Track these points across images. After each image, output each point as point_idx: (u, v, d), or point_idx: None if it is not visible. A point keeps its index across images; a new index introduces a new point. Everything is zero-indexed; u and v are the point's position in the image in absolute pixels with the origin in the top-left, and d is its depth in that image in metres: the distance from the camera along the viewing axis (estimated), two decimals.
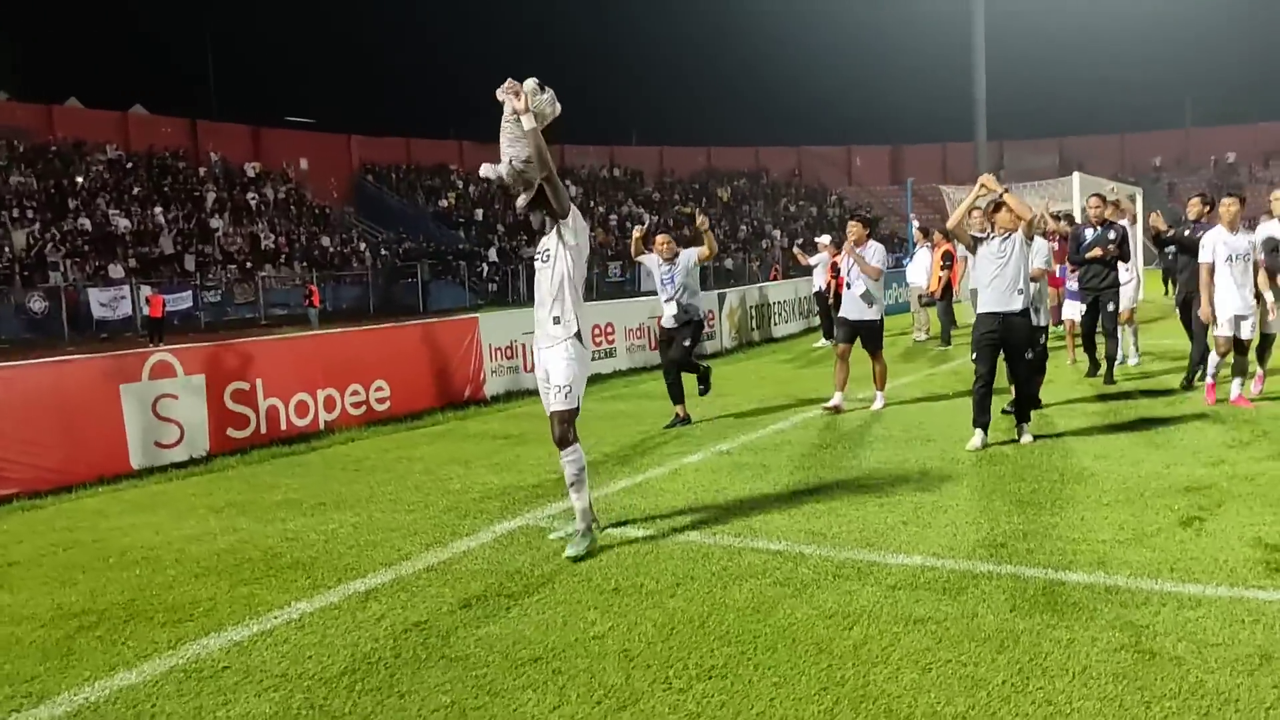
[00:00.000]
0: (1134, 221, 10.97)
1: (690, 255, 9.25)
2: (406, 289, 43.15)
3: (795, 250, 18.34)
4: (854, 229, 9.46)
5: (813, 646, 3.89)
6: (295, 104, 62.47)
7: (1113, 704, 3.33)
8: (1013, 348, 7.58)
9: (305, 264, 41.60)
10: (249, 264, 40.10)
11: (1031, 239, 7.88)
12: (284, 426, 9.25)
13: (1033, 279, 8.35)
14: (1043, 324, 9.08)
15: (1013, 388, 8.07)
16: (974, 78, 58.74)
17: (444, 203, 52.66)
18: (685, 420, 9.21)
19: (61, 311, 32.33)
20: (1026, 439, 7.58)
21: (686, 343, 9.20)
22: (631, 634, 4.11)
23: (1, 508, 7.03)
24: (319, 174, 52.14)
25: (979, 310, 7.70)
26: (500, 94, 5.21)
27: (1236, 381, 8.69)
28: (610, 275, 47.45)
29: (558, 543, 5.39)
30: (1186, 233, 9.89)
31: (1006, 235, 7.48)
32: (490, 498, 6.66)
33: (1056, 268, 11.26)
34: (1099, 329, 10.53)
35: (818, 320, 17.94)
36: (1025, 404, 7.86)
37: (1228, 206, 8.62)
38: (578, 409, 5.33)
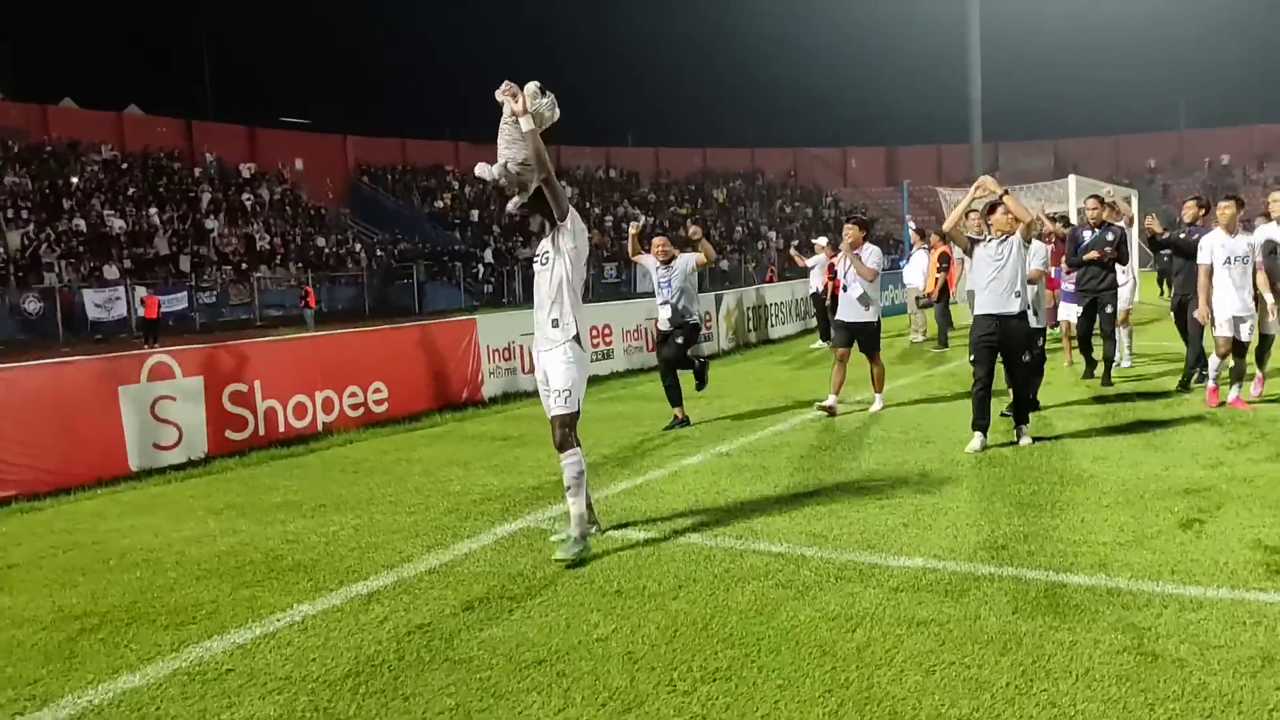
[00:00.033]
0: (1131, 224, 10.99)
1: (688, 261, 9.27)
2: (402, 290, 43.07)
3: (792, 252, 18.39)
4: (850, 232, 9.47)
5: (816, 649, 3.90)
6: (290, 105, 62.45)
7: (1116, 706, 3.34)
8: (1010, 350, 7.59)
9: (300, 265, 41.52)
10: (244, 265, 40.00)
11: (1029, 242, 7.90)
12: (282, 428, 9.25)
13: (1030, 281, 8.37)
14: (1041, 326, 9.10)
15: (1010, 390, 8.09)
16: (969, 79, 58.90)
17: (439, 203, 52.59)
18: (684, 422, 9.22)
19: (56, 312, 32.23)
20: (1025, 441, 7.59)
21: (679, 340, 9.22)
22: (635, 636, 4.11)
23: (0, 510, 7.01)
24: (314, 175, 52.07)
25: (976, 312, 7.71)
26: (499, 95, 5.22)
27: (1233, 380, 8.71)
28: (606, 276, 47.43)
29: (559, 545, 5.39)
30: (1182, 235, 9.92)
31: (1004, 238, 7.50)
32: (490, 500, 6.66)
33: (1051, 269, 11.29)
34: (1096, 330, 10.56)
35: (814, 322, 17.96)
36: (1023, 406, 7.88)
37: (1225, 209, 8.65)
38: (578, 413, 5.33)
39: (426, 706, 3.57)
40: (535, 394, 5.71)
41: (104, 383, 8.08)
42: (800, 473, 7.05)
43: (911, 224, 21.37)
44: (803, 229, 57.41)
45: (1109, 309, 10.37)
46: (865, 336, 9.43)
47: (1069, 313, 11.39)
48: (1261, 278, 8.50)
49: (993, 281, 7.48)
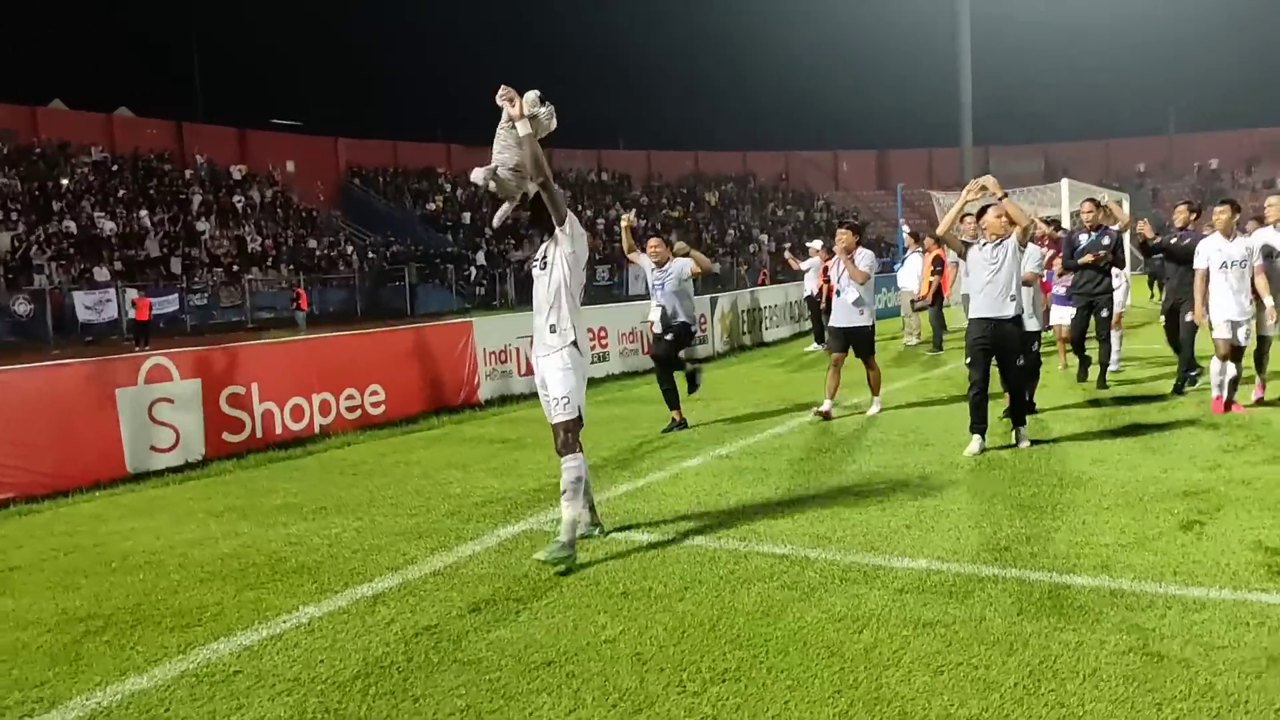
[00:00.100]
0: (1125, 228, 11.05)
1: (684, 266, 9.30)
2: (394, 292, 43.03)
3: (787, 255, 18.42)
4: (844, 237, 9.49)
5: (824, 650, 3.92)
6: (281, 107, 62.35)
7: (1124, 706, 3.36)
8: (1004, 353, 7.60)
9: (292, 267, 41.42)
10: (235, 267, 39.90)
11: (1025, 245, 7.92)
12: (279, 431, 9.23)
13: (1025, 283, 8.39)
14: (1036, 329, 9.14)
15: (1007, 394, 8.11)
16: (960, 83, 59.18)
17: (431, 206, 52.55)
18: (682, 424, 9.23)
19: (46, 314, 32.04)
20: (1024, 444, 7.63)
21: (669, 337, 9.26)
22: (643, 638, 4.12)
23: None
24: (305, 177, 51.93)
25: (970, 316, 7.72)
26: (499, 100, 5.22)
27: (1226, 387, 8.74)
28: (599, 279, 47.41)
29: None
30: (1174, 240, 9.94)
31: (999, 241, 7.50)
32: (492, 502, 6.66)
33: (1044, 272, 11.34)
34: (1090, 334, 10.61)
35: (808, 325, 18.00)
36: (1020, 409, 7.90)
37: (1221, 214, 8.69)
38: (579, 418, 5.28)
39: (437, 708, 3.57)
40: (531, 397, 5.73)
41: (101, 385, 8.04)
42: (801, 475, 7.07)
43: (906, 227, 21.43)
44: (794, 232, 57.57)
45: (1104, 313, 10.42)
46: (859, 340, 9.46)
47: (1061, 316, 11.44)
48: (1261, 281, 8.55)
49: (988, 285, 7.49)
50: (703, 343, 15.80)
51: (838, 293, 9.58)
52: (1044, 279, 11.22)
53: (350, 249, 45.86)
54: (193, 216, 42.16)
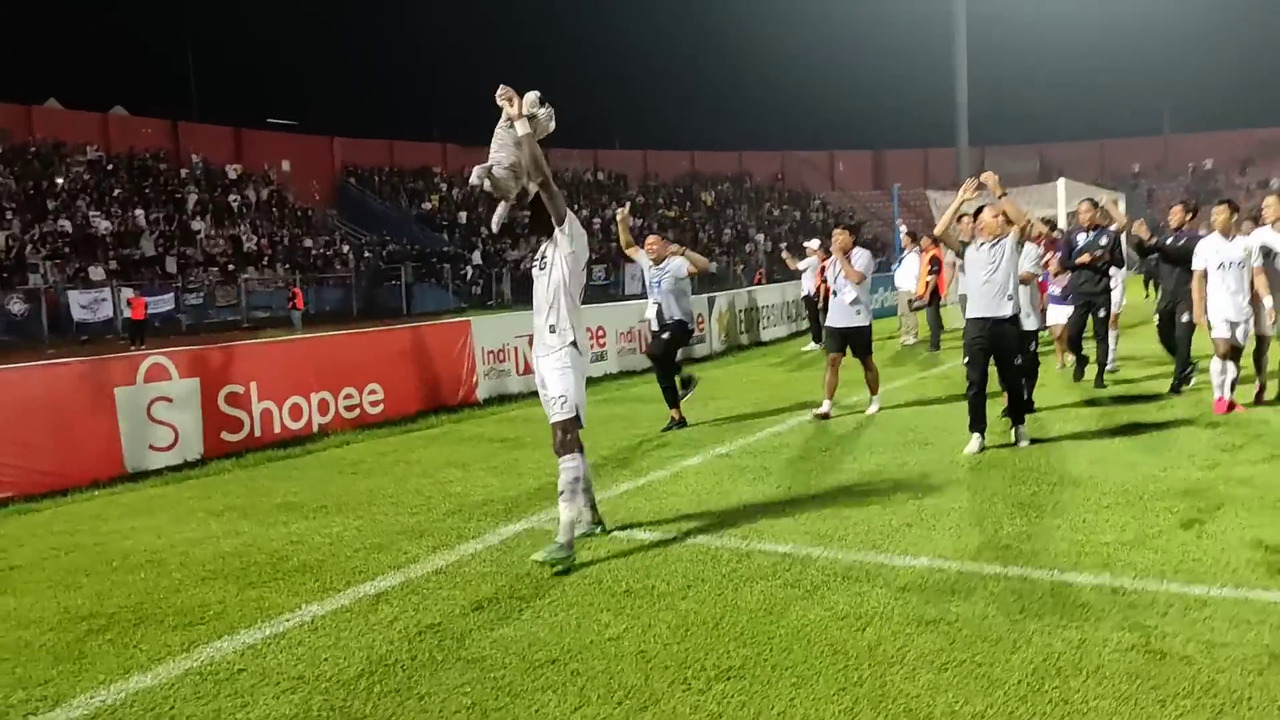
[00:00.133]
0: (1122, 229, 11.06)
1: (681, 265, 9.31)
2: (390, 291, 42.97)
3: (784, 255, 18.43)
4: (840, 237, 9.50)
5: (828, 647, 3.93)
6: (277, 106, 62.28)
7: (1128, 703, 3.38)
8: (1002, 353, 7.61)
9: (288, 266, 41.35)
10: (231, 266, 39.81)
11: (1023, 245, 7.94)
12: (278, 430, 9.22)
13: (1023, 282, 8.41)
14: (1034, 328, 9.16)
15: (1005, 393, 8.12)
16: (955, 84, 59.12)
17: (427, 205, 52.47)
18: (681, 423, 9.24)
19: (41, 314, 31.96)
20: (1023, 443, 7.64)
21: (664, 336, 9.27)
22: (646, 635, 4.13)
23: None
24: (301, 176, 51.80)
25: (968, 316, 7.73)
26: (498, 99, 5.22)
27: (1228, 387, 8.76)
28: (595, 278, 47.40)
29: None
30: (1169, 240, 9.94)
31: (996, 241, 7.50)
32: (492, 501, 6.67)
33: (1041, 272, 11.36)
34: (1087, 334, 10.63)
35: (805, 324, 18.03)
36: (1018, 408, 7.92)
37: (1220, 214, 8.71)
38: (577, 417, 5.27)
39: (442, 705, 3.58)
40: (530, 396, 5.74)
41: (99, 384, 8.04)
42: (801, 474, 7.08)
43: (904, 227, 21.48)
44: (791, 231, 57.57)
45: (1102, 313, 10.43)
46: (857, 340, 9.47)
47: (1058, 315, 11.46)
48: (1260, 280, 8.57)
49: (985, 285, 7.50)
50: (700, 342, 15.82)
51: (835, 293, 9.60)
52: (1040, 279, 11.27)
53: (346, 248, 45.78)
54: (188, 216, 42.06)
